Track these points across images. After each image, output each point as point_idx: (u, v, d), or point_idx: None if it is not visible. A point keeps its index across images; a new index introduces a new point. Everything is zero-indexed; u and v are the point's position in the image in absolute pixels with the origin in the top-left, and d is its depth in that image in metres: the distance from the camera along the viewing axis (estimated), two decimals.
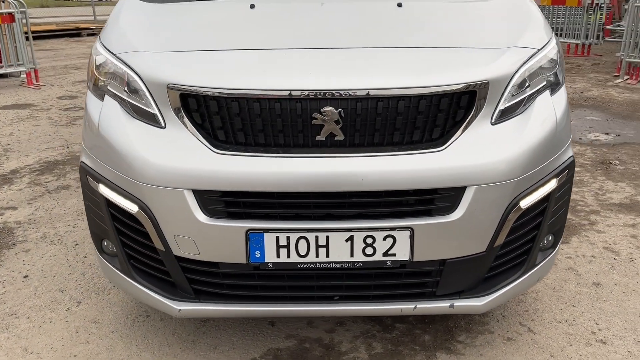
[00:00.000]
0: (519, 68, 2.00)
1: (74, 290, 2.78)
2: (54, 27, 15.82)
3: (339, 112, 1.84)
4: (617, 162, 4.66)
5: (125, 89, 2.02)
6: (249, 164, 1.86)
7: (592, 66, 9.58)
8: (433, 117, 1.89)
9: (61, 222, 3.56)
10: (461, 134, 1.92)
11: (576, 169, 3.95)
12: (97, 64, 2.17)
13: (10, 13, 8.08)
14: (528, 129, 1.98)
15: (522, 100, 2.01)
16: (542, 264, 2.18)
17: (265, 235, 1.89)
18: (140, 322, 2.52)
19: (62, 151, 5.07)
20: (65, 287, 2.81)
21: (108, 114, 2.05)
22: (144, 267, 2.10)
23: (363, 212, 1.90)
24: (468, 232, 1.93)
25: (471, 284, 2.05)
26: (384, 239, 1.90)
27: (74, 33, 15.54)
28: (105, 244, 2.18)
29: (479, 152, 1.90)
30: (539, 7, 2.47)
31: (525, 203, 1.98)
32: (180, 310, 2.03)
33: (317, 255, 1.92)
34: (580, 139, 5.32)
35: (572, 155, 2.17)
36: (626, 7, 10.04)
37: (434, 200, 1.90)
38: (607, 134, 5.53)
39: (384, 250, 1.91)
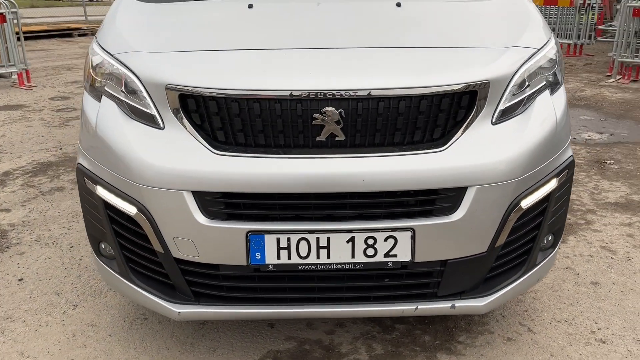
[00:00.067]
0: (519, 68, 2.00)
1: (70, 293, 2.75)
2: (45, 27, 15.70)
3: (340, 113, 1.83)
4: (612, 161, 4.68)
5: (123, 89, 2.00)
6: (249, 165, 1.85)
7: (584, 66, 9.63)
8: (434, 117, 1.89)
9: (56, 224, 3.52)
10: (462, 134, 1.91)
11: None
12: (94, 64, 2.14)
13: (1, 13, 8.00)
14: (529, 128, 1.98)
15: (522, 100, 2.01)
16: (542, 263, 2.18)
17: (266, 236, 1.87)
18: (138, 325, 2.50)
19: (55, 152, 5.03)
20: (61, 290, 2.78)
21: (105, 115, 2.02)
22: (142, 269, 2.08)
23: (364, 213, 1.89)
24: (469, 233, 1.92)
25: (472, 285, 2.04)
26: (385, 239, 1.89)
27: (65, 33, 15.42)
28: (103, 246, 2.15)
29: (480, 152, 1.90)
30: None
31: (526, 203, 1.98)
32: (179, 313, 2.01)
33: (318, 257, 1.90)
34: (574, 138, 5.34)
35: (571, 155, 2.17)
36: (618, 7, 10.10)
37: (435, 200, 1.89)
38: (601, 133, 5.56)
39: (385, 251, 1.90)
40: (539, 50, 2.09)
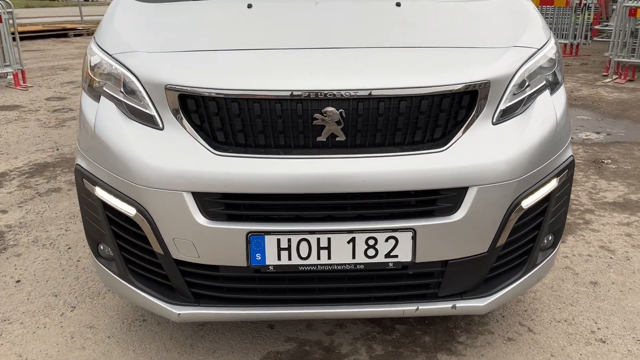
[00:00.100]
0: (520, 67, 1.99)
1: (68, 295, 2.74)
2: (40, 27, 15.64)
3: (340, 113, 1.82)
4: (609, 161, 4.69)
5: (122, 89, 1.99)
6: (249, 166, 1.84)
7: (580, 66, 9.65)
8: (435, 117, 1.88)
9: (53, 226, 3.50)
10: (463, 134, 1.90)
11: None
12: (92, 64, 2.13)
13: None
14: (529, 128, 1.98)
15: (523, 100, 2.01)
16: (542, 263, 2.18)
17: (266, 237, 1.86)
18: (137, 326, 2.48)
19: (51, 153, 5.00)
20: (59, 292, 2.76)
21: (104, 116, 2.01)
22: (141, 271, 2.07)
23: (365, 214, 1.89)
24: (470, 233, 1.92)
25: (473, 285, 2.04)
26: (386, 240, 1.88)
27: (61, 33, 15.36)
28: (102, 247, 2.14)
29: (481, 152, 1.89)
30: None
31: (526, 203, 1.98)
32: (179, 314, 2.00)
33: (318, 258, 1.90)
34: (572, 138, 5.34)
35: (571, 155, 2.17)
36: (614, 7, 10.13)
37: (436, 200, 1.88)
38: (598, 133, 5.57)
39: (386, 252, 1.90)
40: (539, 50, 2.09)
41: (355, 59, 1.93)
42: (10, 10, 8.23)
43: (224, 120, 1.86)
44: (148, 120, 1.94)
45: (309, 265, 1.90)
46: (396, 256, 1.90)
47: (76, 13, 19.09)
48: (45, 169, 4.58)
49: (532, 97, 2.04)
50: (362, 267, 1.91)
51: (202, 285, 1.99)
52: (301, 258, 1.89)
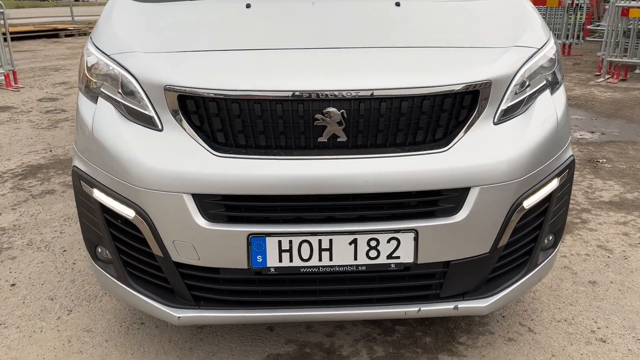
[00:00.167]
0: (521, 67, 1.99)
1: (64, 298, 2.70)
2: (31, 28, 15.52)
3: (342, 113, 1.81)
4: (604, 160, 4.71)
5: (120, 90, 1.96)
6: (249, 167, 1.82)
7: (573, 65, 9.70)
8: (436, 117, 1.87)
9: (47, 228, 3.46)
10: (464, 134, 1.90)
11: None
12: (89, 65, 2.10)
13: None
14: (530, 128, 1.97)
15: (523, 100, 2.00)
16: (543, 263, 2.18)
17: (268, 239, 1.85)
18: (135, 329, 2.46)
19: (45, 155, 4.96)
20: (55, 295, 2.73)
21: (102, 117, 1.98)
22: (141, 273, 2.04)
23: (366, 215, 1.87)
24: (472, 233, 1.91)
25: (475, 286, 2.03)
26: (388, 241, 1.87)
27: (52, 34, 15.25)
28: (100, 250, 2.11)
29: (483, 152, 1.88)
30: None
31: (528, 203, 1.97)
32: (179, 317, 1.97)
33: (320, 259, 1.88)
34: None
35: (572, 155, 2.17)
36: (606, 6, 10.19)
37: (438, 201, 1.87)
38: (592, 132, 5.59)
39: (388, 253, 1.88)
40: (539, 49, 2.08)
41: (356, 59, 1.92)
42: (2, 10, 8.16)
43: (224, 121, 1.84)
44: (147, 121, 1.92)
45: (310, 267, 1.89)
46: (398, 257, 1.89)
47: (67, 13, 18.96)
48: (38, 170, 4.53)
49: (533, 96, 2.04)
50: (363, 268, 1.90)
51: (203, 288, 1.97)
52: (303, 260, 1.88)
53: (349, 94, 1.78)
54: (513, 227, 1.97)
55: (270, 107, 1.81)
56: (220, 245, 1.86)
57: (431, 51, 1.99)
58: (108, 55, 2.03)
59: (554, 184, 2.06)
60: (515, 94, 1.97)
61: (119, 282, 2.07)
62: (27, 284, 2.84)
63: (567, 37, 10.90)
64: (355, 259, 1.89)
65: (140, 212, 1.89)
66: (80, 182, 2.03)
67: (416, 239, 1.87)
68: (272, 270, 1.88)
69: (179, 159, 1.85)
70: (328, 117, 1.80)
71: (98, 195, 1.97)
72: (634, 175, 4.34)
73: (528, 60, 2.02)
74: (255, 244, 1.85)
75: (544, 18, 11.02)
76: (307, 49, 1.95)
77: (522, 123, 1.98)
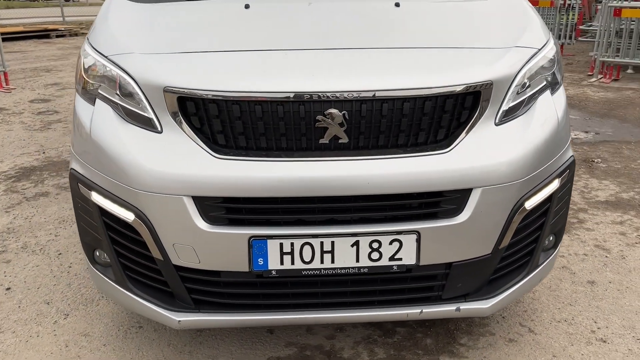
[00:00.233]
0: (522, 68, 1.98)
1: (60, 302, 2.67)
2: (21, 28, 15.40)
3: (343, 115, 1.79)
4: (599, 160, 4.72)
5: (118, 92, 1.94)
6: (250, 169, 1.80)
7: (565, 65, 9.74)
8: (438, 118, 1.86)
9: (42, 231, 3.43)
10: (466, 135, 1.89)
11: None
12: (86, 66, 2.08)
13: None
14: (532, 129, 1.97)
15: (524, 100, 2.00)
16: (544, 264, 2.17)
17: (269, 242, 1.83)
18: (133, 333, 2.43)
19: (38, 157, 4.91)
20: (51, 299, 2.70)
21: (100, 119, 1.96)
22: (140, 277, 2.02)
23: (368, 217, 1.86)
24: (474, 235, 1.90)
25: (476, 287, 2.03)
26: (390, 243, 1.86)
27: (43, 34, 15.14)
28: (98, 254, 2.08)
29: (485, 153, 1.88)
30: None
31: (529, 204, 1.97)
32: (180, 321, 1.95)
33: (322, 262, 1.87)
34: None
35: (572, 155, 2.17)
36: (599, 6, 10.24)
37: (440, 202, 1.86)
38: (586, 132, 5.61)
39: (390, 255, 1.87)
40: (539, 50, 2.08)
41: (357, 59, 1.91)
42: None
43: (224, 122, 1.83)
44: (146, 123, 1.90)
45: (312, 269, 1.87)
46: (400, 259, 1.88)
47: (58, 14, 18.82)
48: (32, 172, 4.49)
49: (533, 97, 2.03)
50: (365, 270, 1.89)
51: (203, 291, 1.95)
52: (304, 262, 1.86)
53: (351, 95, 1.77)
54: (515, 228, 1.97)
55: (271, 108, 1.79)
56: (221, 248, 1.84)
57: (432, 52, 1.98)
58: (105, 57, 2.01)
59: (555, 184, 2.05)
60: (517, 93, 1.97)
61: (117, 286, 2.05)
62: (22, 287, 2.80)
63: (559, 38, 10.96)
64: (357, 261, 1.87)
65: (139, 214, 1.86)
66: (78, 184, 2.01)
67: (418, 241, 1.86)
68: (274, 273, 1.87)
69: (179, 161, 1.83)
70: (329, 119, 1.79)
71: (96, 198, 1.95)
72: (629, 175, 4.36)
73: (529, 60, 2.02)
74: (256, 246, 1.83)
75: None
76: (308, 50, 1.93)
77: (524, 124, 1.97)
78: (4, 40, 11.96)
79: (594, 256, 3.07)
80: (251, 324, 1.99)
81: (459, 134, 1.89)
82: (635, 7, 8.01)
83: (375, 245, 1.86)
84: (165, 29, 2.12)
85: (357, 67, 1.87)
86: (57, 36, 15.28)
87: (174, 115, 1.85)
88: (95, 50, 2.07)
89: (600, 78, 8.39)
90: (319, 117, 1.79)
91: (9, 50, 11.89)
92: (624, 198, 3.90)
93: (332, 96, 1.77)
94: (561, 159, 2.08)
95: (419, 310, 1.99)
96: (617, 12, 8.08)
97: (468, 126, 1.89)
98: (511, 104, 1.96)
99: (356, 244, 1.85)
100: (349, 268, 1.88)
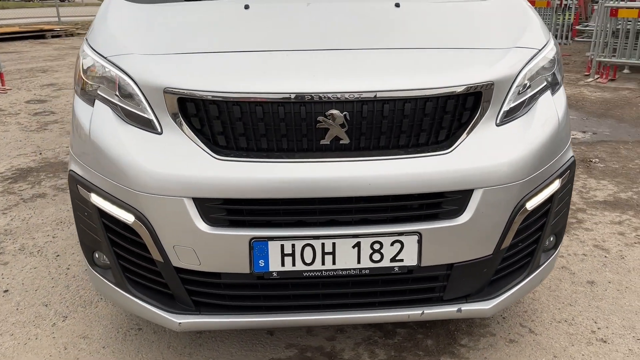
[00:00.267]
0: (522, 68, 1.98)
1: (58, 304, 2.65)
2: (17, 28, 15.35)
3: (345, 115, 1.78)
4: (597, 160, 4.73)
5: (117, 93, 1.93)
6: (251, 170, 1.79)
7: (562, 65, 9.75)
8: (439, 119, 1.86)
9: (40, 233, 3.41)
10: (467, 136, 1.88)
11: None
12: (85, 67, 2.07)
13: None
14: (533, 129, 1.97)
15: (525, 101, 2.00)
16: (545, 264, 2.17)
17: (270, 243, 1.82)
18: (133, 335, 2.42)
19: (34, 158, 4.88)
20: (49, 301, 2.68)
21: (99, 120, 1.94)
22: (140, 279, 2.01)
23: (370, 218, 1.85)
24: (475, 235, 1.90)
25: (478, 288, 2.02)
26: (392, 244, 1.85)
27: (38, 35, 15.10)
28: (97, 256, 2.07)
29: (486, 154, 1.87)
30: None
31: (531, 204, 1.97)
32: (180, 323, 1.94)
33: (323, 263, 1.86)
34: None
35: (572, 156, 2.17)
36: (595, 6, 10.27)
37: (442, 203, 1.86)
38: (584, 132, 5.62)
39: (392, 256, 1.87)
40: (540, 50, 2.08)
41: (358, 60, 1.90)
42: None
43: (225, 123, 1.82)
44: (145, 124, 1.88)
45: (313, 270, 1.87)
46: (402, 260, 1.87)
47: (53, 14, 18.77)
48: (28, 174, 4.46)
49: (534, 98, 2.03)
50: (367, 272, 1.88)
51: (204, 293, 1.94)
52: (305, 264, 1.85)
53: (352, 96, 1.76)
54: (516, 229, 1.97)
55: (272, 109, 1.78)
56: (222, 250, 1.84)
57: (432, 52, 1.97)
58: (105, 57, 1.99)
59: (556, 185, 2.05)
60: (518, 94, 1.96)
61: (117, 288, 2.03)
62: (20, 290, 2.78)
63: (555, 38, 10.97)
64: (359, 262, 1.87)
65: (139, 216, 1.85)
66: (77, 186, 1.99)
67: (420, 242, 1.85)
68: (275, 274, 1.86)
69: (179, 163, 1.82)
70: (331, 120, 1.78)
71: (96, 199, 1.94)
72: (627, 175, 4.36)
73: (529, 61, 2.01)
74: (257, 248, 1.82)
75: None
76: (309, 50, 1.92)
77: (525, 124, 1.97)
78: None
79: (593, 256, 3.07)
80: (252, 326, 1.98)
81: (460, 135, 1.88)
82: (632, 8, 8.03)
83: (376, 246, 1.85)
84: (164, 30, 2.11)
85: (358, 68, 1.86)
86: (53, 36, 15.25)
87: (174, 117, 1.84)
88: (94, 51, 2.06)
89: (597, 78, 8.41)
90: (320, 118, 1.78)
91: (4, 51, 11.87)
92: (622, 198, 3.90)
93: (333, 97, 1.76)
94: (562, 159, 2.08)
95: (421, 312, 1.98)
96: (614, 12, 8.10)
97: (469, 127, 1.89)
98: (512, 105, 1.96)
99: (357, 245, 1.84)
100: (350, 269, 1.87)
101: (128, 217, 1.88)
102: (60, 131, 5.74)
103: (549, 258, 2.20)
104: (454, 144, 1.87)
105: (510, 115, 1.96)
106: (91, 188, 1.94)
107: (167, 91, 1.82)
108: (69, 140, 2.11)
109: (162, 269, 1.92)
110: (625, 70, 8.82)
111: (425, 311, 1.99)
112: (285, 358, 2.27)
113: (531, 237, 2.07)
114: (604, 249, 3.16)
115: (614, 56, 8.39)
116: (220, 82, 1.79)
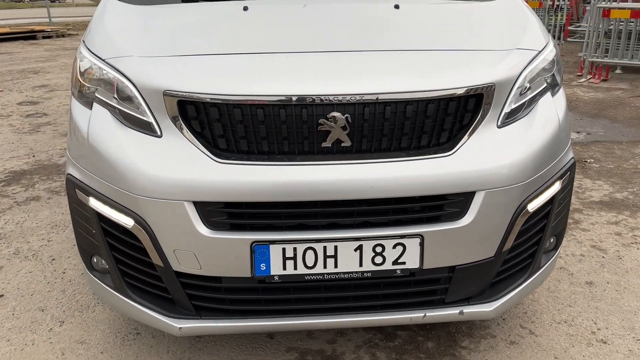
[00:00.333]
0: (523, 70, 1.98)
1: (55, 309, 2.62)
2: (7, 29, 15.22)
3: (346, 118, 1.77)
4: (592, 160, 4.75)
5: (115, 96, 1.91)
6: (252, 173, 1.78)
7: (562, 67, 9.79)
8: (441, 121, 1.85)
9: (34, 236, 3.37)
10: (468, 138, 1.88)
11: None
12: (82, 69, 2.04)
13: None
14: (533, 130, 1.96)
15: (526, 102, 2.00)
16: (545, 266, 2.17)
17: (271, 247, 1.81)
18: (131, 340, 2.39)
19: (27, 160, 4.84)
20: (46, 306, 2.65)
21: (98, 123, 1.92)
22: (139, 284, 1.99)
23: (372, 220, 1.84)
24: (477, 238, 1.89)
25: (480, 290, 2.02)
26: (394, 247, 1.84)
27: (29, 36, 15.00)
28: (95, 260, 2.05)
29: (487, 155, 1.87)
30: None
31: (532, 206, 1.96)
32: (181, 328, 1.92)
33: (325, 266, 1.85)
34: None
35: (572, 157, 2.17)
36: (588, 7, 10.33)
37: (443, 206, 1.85)
38: (578, 132, 5.64)
39: (394, 259, 1.86)
40: (540, 52, 2.08)
41: (359, 62, 1.88)
42: None
43: (225, 126, 1.80)
44: (145, 127, 1.86)
45: (315, 274, 1.85)
46: (404, 263, 1.86)
47: (44, 14, 18.64)
48: (22, 176, 4.42)
49: (534, 99, 2.03)
50: (369, 275, 1.87)
51: (204, 298, 1.93)
52: (307, 267, 1.84)
53: (354, 98, 1.75)
54: (517, 231, 1.96)
55: (272, 111, 1.77)
56: (223, 254, 1.82)
57: (433, 54, 1.96)
58: (103, 60, 1.97)
59: (557, 186, 2.05)
60: (520, 95, 1.96)
61: (116, 293, 2.01)
62: (15, 294, 2.75)
63: None
64: (361, 265, 1.85)
65: (139, 220, 1.83)
66: (75, 190, 1.97)
67: (422, 244, 1.84)
68: (276, 278, 1.84)
69: (179, 166, 1.80)
70: (332, 122, 1.77)
71: (94, 203, 1.91)
72: (622, 175, 4.38)
73: (530, 62, 2.01)
74: (258, 251, 1.81)
75: None
76: (309, 52, 1.91)
77: (525, 126, 1.97)
78: None
79: (591, 257, 3.08)
80: (253, 330, 1.96)
81: (462, 137, 1.88)
82: (624, 8, 8.08)
83: (378, 249, 1.84)
84: (163, 32, 2.08)
85: (359, 70, 1.85)
86: (44, 37, 15.15)
87: (174, 119, 1.82)
88: (92, 53, 2.03)
89: (590, 78, 8.45)
90: (322, 121, 1.77)
91: None
92: (618, 198, 3.92)
93: (335, 99, 1.75)
94: (562, 160, 2.08)
95: (423, 314, 1.97)
96: (606, 12, 8.14)
97: (470, 129, 1.88)
98: (513, 106, 1.95)
99: (359, 248, 1.83)
100: (352, 272, 1.86)
101: (127, 221, 1.86)
102: (53, 133, 5.69)
103: (550, 259, 2.19)
104: (456, 146, 1.86)
105: (511, 117, 1.96)
106: (89, 192, 1.92)
107: (167, 94, 1.80)
108: (67, 143, 2.09)
109: (162, 274, 1.90)
110: (618, 71, 8.88)
111: (427, 314, 1.98)
112: None
113: (532, 238, 2.07)
114: (602, 249, 3.17)
115: (606, 56, 8.43)
116: (220, 85, 1.77)
